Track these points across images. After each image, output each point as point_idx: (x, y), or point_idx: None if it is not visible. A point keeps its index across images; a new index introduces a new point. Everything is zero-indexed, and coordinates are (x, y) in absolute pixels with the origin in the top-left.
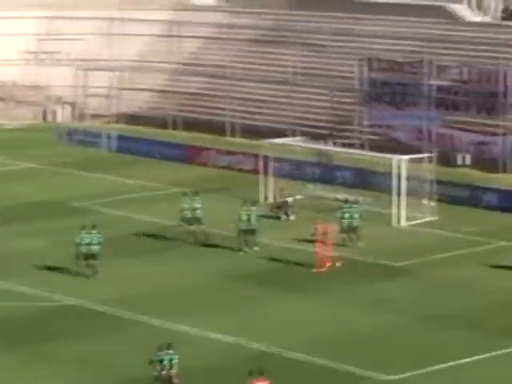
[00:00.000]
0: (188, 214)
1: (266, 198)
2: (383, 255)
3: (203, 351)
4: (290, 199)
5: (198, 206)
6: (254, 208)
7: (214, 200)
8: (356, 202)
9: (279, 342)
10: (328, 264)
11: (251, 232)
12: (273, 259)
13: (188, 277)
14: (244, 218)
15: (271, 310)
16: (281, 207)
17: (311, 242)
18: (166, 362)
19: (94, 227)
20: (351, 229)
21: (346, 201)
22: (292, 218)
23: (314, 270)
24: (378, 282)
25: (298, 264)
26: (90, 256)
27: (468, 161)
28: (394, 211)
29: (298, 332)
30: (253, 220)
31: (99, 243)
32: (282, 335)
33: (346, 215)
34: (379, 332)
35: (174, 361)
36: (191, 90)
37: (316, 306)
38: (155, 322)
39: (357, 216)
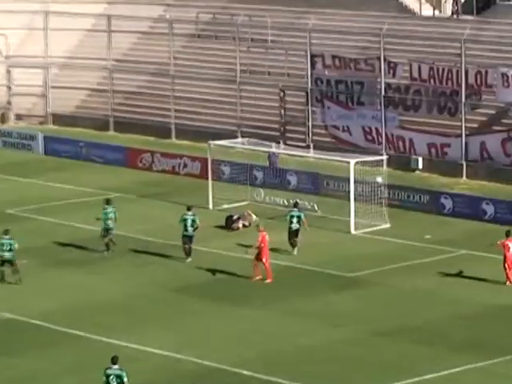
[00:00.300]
0: (105, 224)
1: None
2: (334, 265)
3: (145, 367)
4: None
5: (111, 215)
6: (189, 213)
7: (157, 206)
8: (296, 206)
9: (224, 358)
10: (257, 277)
11: (189, 238)
12: (216, 269)
13: (125, 288)
14: (182, 223)
15: (214, 323)
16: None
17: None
18: (113, 378)
19: (6, 232)
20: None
21: (295, 204)
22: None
23: (251, 279)
24: (329, 293)
25: (241, 275)
26: (5, 262)
27: (421, 164)
28: (345, 218)
29: (244, 347)
30: (188, 226)
31: (10, 250)
32: (226, 350)
33: (294, 219)
34: (332, 347)
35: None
36: (130, 89)
37: (262, 320)
38: (92, 337)
39: (295, 220)
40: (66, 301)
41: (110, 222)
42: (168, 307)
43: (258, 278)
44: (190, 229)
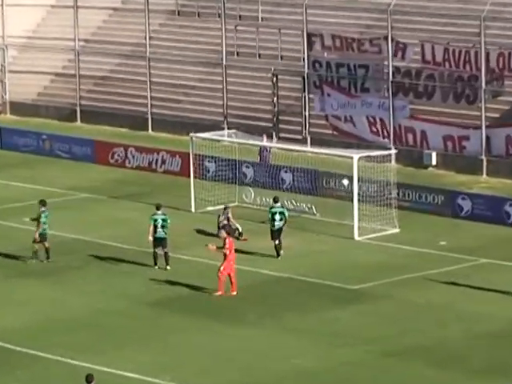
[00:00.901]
0: (42, 229)
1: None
2: (335, 276)
3: None
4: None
5: (45, 219)
6: (159, 212)
7: (131, 208)
8: (276, 201)
9: (209, 382)
10: (220, 292)
11: (160, 241)
12: (197, 280)
13: (94, 302)
14: (152, 225)
15: (198, 342)
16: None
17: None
18: None
19: None
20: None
21: (275, 199)
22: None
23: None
24: (330, 308)
25: (228, 286)
26: None
27: (435, 160)
28: (348, 222)
29: (231, 369)
30: (159, 227)
31: None
32: (212, 372)
33: (277, 216)
34: (334, 370)
35: None
36: (100, 74)
37: (252, 338)
38: (55, 359)
39: (278, 218)
40: (26, 316)
41: (46, 226)
42: (144, 324)
43: (219, 293)
44: (161, 230)
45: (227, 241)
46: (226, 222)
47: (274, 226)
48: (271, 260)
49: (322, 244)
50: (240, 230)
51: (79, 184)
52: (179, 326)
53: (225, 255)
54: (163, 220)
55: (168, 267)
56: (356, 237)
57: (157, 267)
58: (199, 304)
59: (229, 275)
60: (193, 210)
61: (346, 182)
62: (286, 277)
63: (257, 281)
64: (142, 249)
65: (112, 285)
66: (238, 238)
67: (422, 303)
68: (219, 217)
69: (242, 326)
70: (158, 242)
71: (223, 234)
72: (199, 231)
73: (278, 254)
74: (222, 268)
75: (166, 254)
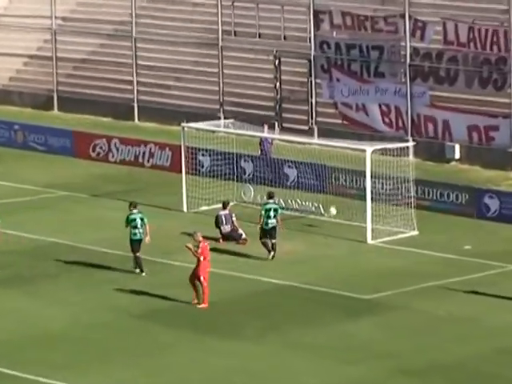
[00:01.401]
0: None
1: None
2: (346, 284)
3: None
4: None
5: None
6: (135, 211)
7: (115, 208)
8: (271, 197)
9: None
10: (194, 301)
11: (139, 244)
12: (190, 289)
13: (74, 315)
14: (130, 225)
15: (191, 359)
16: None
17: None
18: None
19: None
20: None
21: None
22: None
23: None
24: (340, 321)
25: (225, 297)
26: None
27: (458, 153)
28: (360, 223)
29: None
30: (138, 227)
31: None
32: None
33: (272, 213)
34: None
35: None
36: (80, 56)
37: (253, 355)
38: (31, 378)
39: (272, 215)
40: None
41: None
42: (130, 339)
43: (194, 302)
44: (140, 231)
45: (201, 245)
46: (228, 227)
47: (267, 224)
48: (272, 266)
49: (330, 248)
50: (244, 236)
51: (56, 181)
52: (169, 342)
53: (198, 260)
54: (141, 219)
55: (144, 273)
56: (369, 240)
57: (144, 274)
58: (192, 316)
59: (201, 284)
60: (185, 209)
61: (333, 210)
62: (289, 285)
63: (256, 290)
64: (129, 253)
65: (94, 295)
66: (237, 241)
67: (442, 315)
68: (217, 218)
69: (239, 342)
70: (138, 244)
71: (198, 236)
72: (191, 234)
73: (273, 255)
74: (202, 278)
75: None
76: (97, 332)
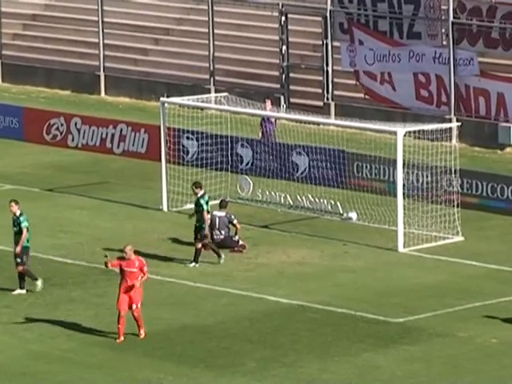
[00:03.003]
0: None
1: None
2: (368, 304)
3: None
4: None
5: None
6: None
7: (77, 205)
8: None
9: None
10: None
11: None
12: (172, 309)
13: (27, 344)
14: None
15: None
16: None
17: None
18: None
19: None
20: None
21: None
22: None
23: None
24: (364, 350)
25: (221, 320)
26: None
27: None
28: (389, 226)
29: None
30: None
31: None
32: None
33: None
34: None
35: None
36: (29, 12)
37: None
38: None
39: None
40: None
41: None
42: (98, 375)
43: (121, 339)
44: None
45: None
46: (222, 235)
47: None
48: (278, 281)
49: (351, 258)
50: (241, 243)
51: (2, 171)
52: (150, 378)
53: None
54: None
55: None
56: (400, 248)
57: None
58: (177, 344)
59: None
60: (165, 208)
61: (353, 215)
62: (298, 305)
63: (258, 311)
64: (92, 264)
65: (51, 317)
66: (233, 248)
67: (494, 344)
68: (211, 222)
69: (237, 377)
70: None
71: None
72: (174, 240)
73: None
74: (136, 304)
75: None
76: (54, 365)
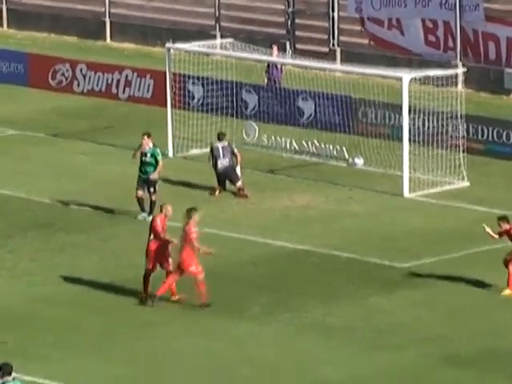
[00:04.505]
0: None
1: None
2: (375, 249)
3: None
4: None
5: None
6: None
7: (82, 150)
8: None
9: None
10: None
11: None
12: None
13: (30, 288)
14: None
15: (176, 345)
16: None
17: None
18: None
19: None
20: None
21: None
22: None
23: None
24: (368, 295)
25: (219, 263)
26: None
27: None
28: (395, 171)
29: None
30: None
31: None
32: None
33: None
34: (369, 380)
35: None
36: None
37: (255, 340)
38: None
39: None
40: None
41: None
42: (102, 318)
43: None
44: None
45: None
46: (226, 161)
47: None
48: (283, 225)
49: (356, 203)
50: (240, 183)
51: (6, 116)
52: (154, 321)
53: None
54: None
55: None
56: (406, 193)
57: None
58: (180, 289)
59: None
60: (170, 154)
61: (359, 161)
62: (303, 250)
63: (263, 256)
64: (98, 210)
65: (57, 261)
66: (234, 193)
67: (499, 289)
68: (212, 150)
69: (242, 322)
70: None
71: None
72: (181, 183)
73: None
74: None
75: None
76: (60, 309)
